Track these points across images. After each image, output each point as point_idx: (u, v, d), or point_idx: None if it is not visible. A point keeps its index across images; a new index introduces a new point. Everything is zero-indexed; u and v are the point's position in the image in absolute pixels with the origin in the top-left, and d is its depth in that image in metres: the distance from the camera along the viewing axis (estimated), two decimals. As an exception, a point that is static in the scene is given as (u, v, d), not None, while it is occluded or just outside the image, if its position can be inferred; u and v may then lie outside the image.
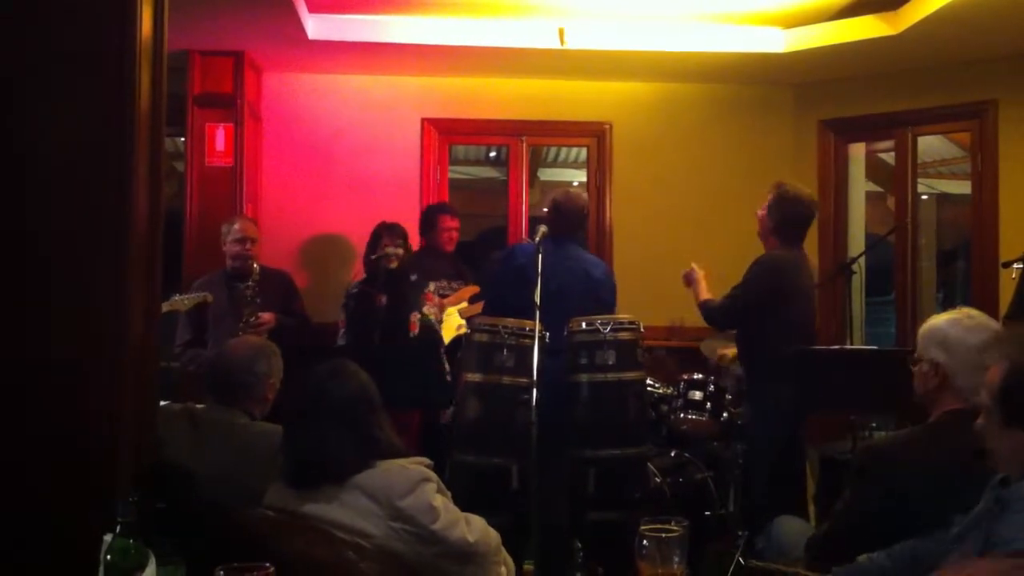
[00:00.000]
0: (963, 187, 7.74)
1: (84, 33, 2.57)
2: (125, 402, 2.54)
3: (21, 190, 2.53)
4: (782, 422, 4.76)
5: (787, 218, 4.89)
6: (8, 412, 2.48)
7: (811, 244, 6.64)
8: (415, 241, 6.32)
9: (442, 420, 5.06)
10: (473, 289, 5.95)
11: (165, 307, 4.68)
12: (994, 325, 2.85)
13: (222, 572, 1.62)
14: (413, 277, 5.31)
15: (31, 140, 2.54)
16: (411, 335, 5.17)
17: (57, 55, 2.55)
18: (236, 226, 5.45)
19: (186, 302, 4.97)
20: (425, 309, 5.29)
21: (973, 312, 2.89)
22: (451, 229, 6.04)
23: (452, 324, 5.69)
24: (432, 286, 5.67)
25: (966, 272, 7.19)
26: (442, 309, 5.63)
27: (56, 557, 2.32)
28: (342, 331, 5.32)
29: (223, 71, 6.05)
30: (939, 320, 2.88)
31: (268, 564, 1.68)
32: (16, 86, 2.54)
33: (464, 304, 5.83)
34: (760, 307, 4.78)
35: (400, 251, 5.27)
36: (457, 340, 5.44)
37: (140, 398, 2.64)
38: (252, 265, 5.29)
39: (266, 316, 5.19)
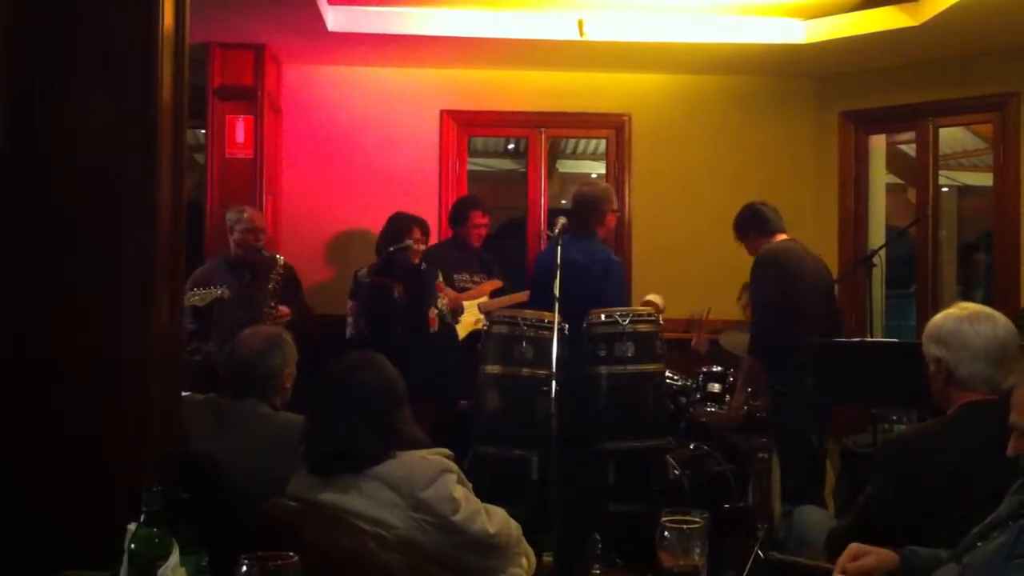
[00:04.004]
0: (985, 179, 7.69)
1: (107, 26, 2.59)
2: (150, 393, 2.57)
3: (46, 184, 2.56)
4: (803, 413, 4.77)
5: (744, 220, 5.21)
6: (35, 403, 2.52)
7: (831, 236, 6.66)
8: (443, 232, 6.33)
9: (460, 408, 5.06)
10: (494, 284, 5.96)
11: (183, 302, 4.68)
12: (989, 311, 2.84)
13: (246, 561, 1.62)
14: (423, 266, 5.31)
15: (55, 133, 2.56)
16: (430, 330, 5.17)
17: (80, 49, 2.57)
18: (246, 215, 5.37)
19: (202, 298, 4.94)
20: (439, 302, 5.29)
21: (966, 304, 2.91)
22: (480, 226, 6.03)
23: (470, 318, 5.69)
24: (441, 275, 5.64)
25: (988, 264, 7.14)
26: (454, 302, 5.62)
27: (81, 545, 2.34)
28: (350, 319, 5.29)
29: (243, 63, 6.07)
30: (934, 318, 2.91)
31: (291, 553, 1.68)
32: (40, 80, 2.56)
33: (484, 299, 5.84)
34: (777, 298, 4.84)
35: (423, 248, 5.28)
36: (474, 334, 5.45)
37: (165, 389, 2.66)
38: (268, 255, 5.27)
39: (284, 309, 5.18)
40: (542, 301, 4.37)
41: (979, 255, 7.80)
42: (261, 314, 5.04)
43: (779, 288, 4.90)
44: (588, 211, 5.17)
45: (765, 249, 5.05)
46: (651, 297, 5.07)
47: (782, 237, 5.12)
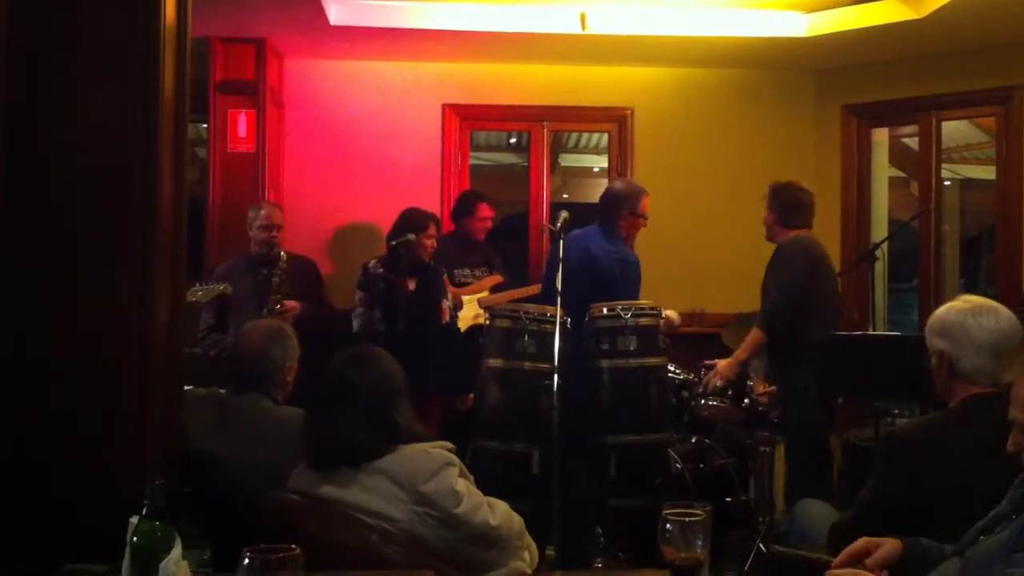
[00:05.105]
0: (987, 172, 7.67)
1: (109, 20, 2.58)
2: (150, 393, 2.57)
3: (47, 181, 2.56)
4: (808, 406, 4.76)
5: (786, 205, 5.01)
6: (38, 399, 2.52)
7: (834, 230, 6.64)
8: (445, 225, 6.33)
9: (461, 407, 5.06)
10: (495, 279, 5.96)
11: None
12: (993, 305, 2.84)
13: (249, 554, 1.62)
14: (431, 262, 5.31)
15: (57, 129, 2.56)
16: (442, 323, 5.16)
17: (82, 43, 2.57)
18: (263, 212, 5.45)
19: (206, 293, 4.97)
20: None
21: (969, 297, 2.90)
22: (486, 219, 6.02)
23: (469, 314, 5.69)
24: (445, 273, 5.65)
25: (990, 258, 7.13)
26: (454, 298, 5.61)
27: (84, 539, 2.35)
28: (359, 310, 5.29)
29: (245, 58, 6.06)
30: (937, 311, 2.90)
31: (294, 546, 1.68)
32: (42, 74, 2.56)
33: (485, 293, 5.84)
34: (802, 289, 4.79)
35: (434, 244, 5.29)
36: (474, 328, 5.45)
37: (165, 388, 2.66)
38: (278, 252, 5.30)
39: (291, 303, 5.21)
40: (555, 295, 4.35)
41: (989, 255, 7.75)
42: (271, 310, 5.10)
43: (808, 279, 4.85)
44: (607, 207, 5.17)
45: (800, 238, 4.96)
46: (668, 313, 5.01)
47: (807, 232, 5.06)
